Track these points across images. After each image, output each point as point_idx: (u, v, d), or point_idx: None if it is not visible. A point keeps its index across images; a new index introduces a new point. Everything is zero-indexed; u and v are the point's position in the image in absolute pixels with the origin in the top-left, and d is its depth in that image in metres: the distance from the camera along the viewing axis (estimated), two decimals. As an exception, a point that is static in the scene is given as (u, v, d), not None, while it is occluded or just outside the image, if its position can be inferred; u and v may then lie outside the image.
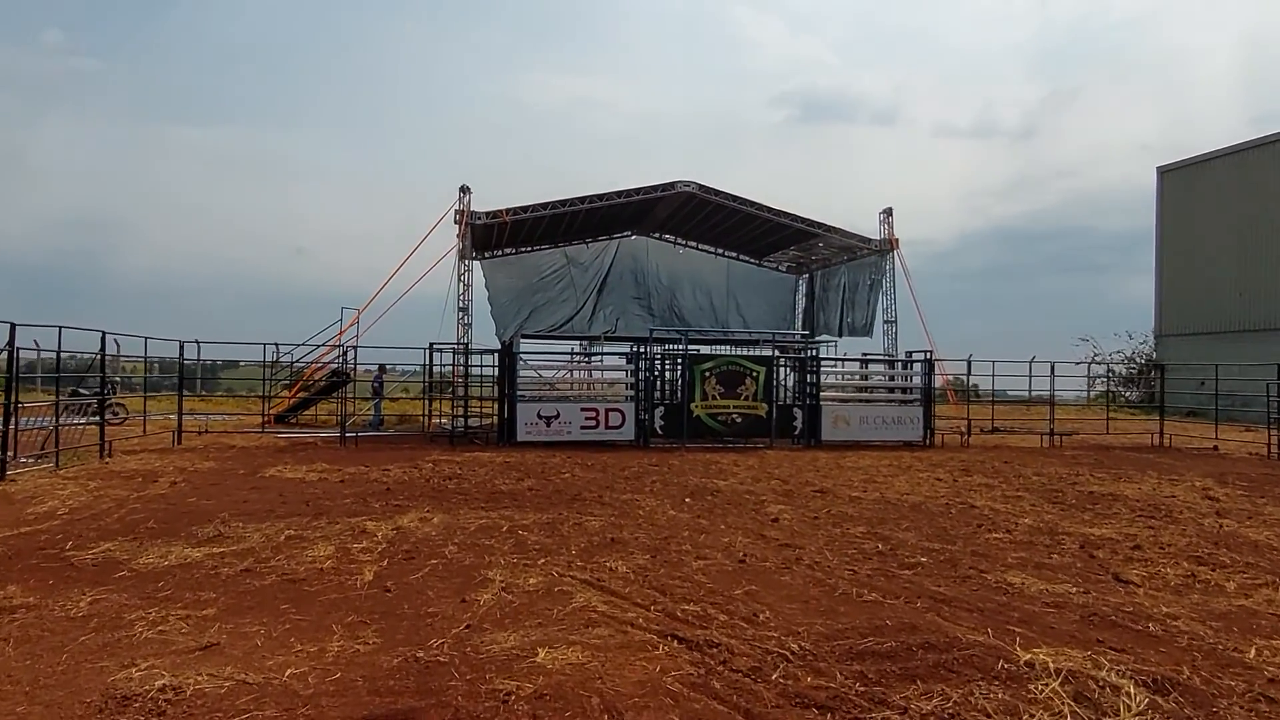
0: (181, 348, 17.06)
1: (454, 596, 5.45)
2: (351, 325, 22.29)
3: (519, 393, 17.20)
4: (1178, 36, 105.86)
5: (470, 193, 20.95)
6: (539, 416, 17.04)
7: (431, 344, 18.99)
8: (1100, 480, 12.69)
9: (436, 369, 20.54)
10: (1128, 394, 37.35)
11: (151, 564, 6.40)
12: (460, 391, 19.13)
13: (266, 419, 22.00)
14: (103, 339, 13.65)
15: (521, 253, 27.78)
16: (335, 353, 22.15)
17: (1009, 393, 25.97)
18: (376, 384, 23.41)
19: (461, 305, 21.71)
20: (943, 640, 4.52)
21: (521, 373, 17.60)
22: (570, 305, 25.73)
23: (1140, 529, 8.47)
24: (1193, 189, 35.57)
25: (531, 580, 5.88)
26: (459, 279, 21.46)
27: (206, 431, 19.10)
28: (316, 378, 23.65)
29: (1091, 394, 36.01)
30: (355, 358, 22.50)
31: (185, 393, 31.77)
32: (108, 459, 13.71)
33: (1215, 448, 18.74)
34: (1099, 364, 37.79)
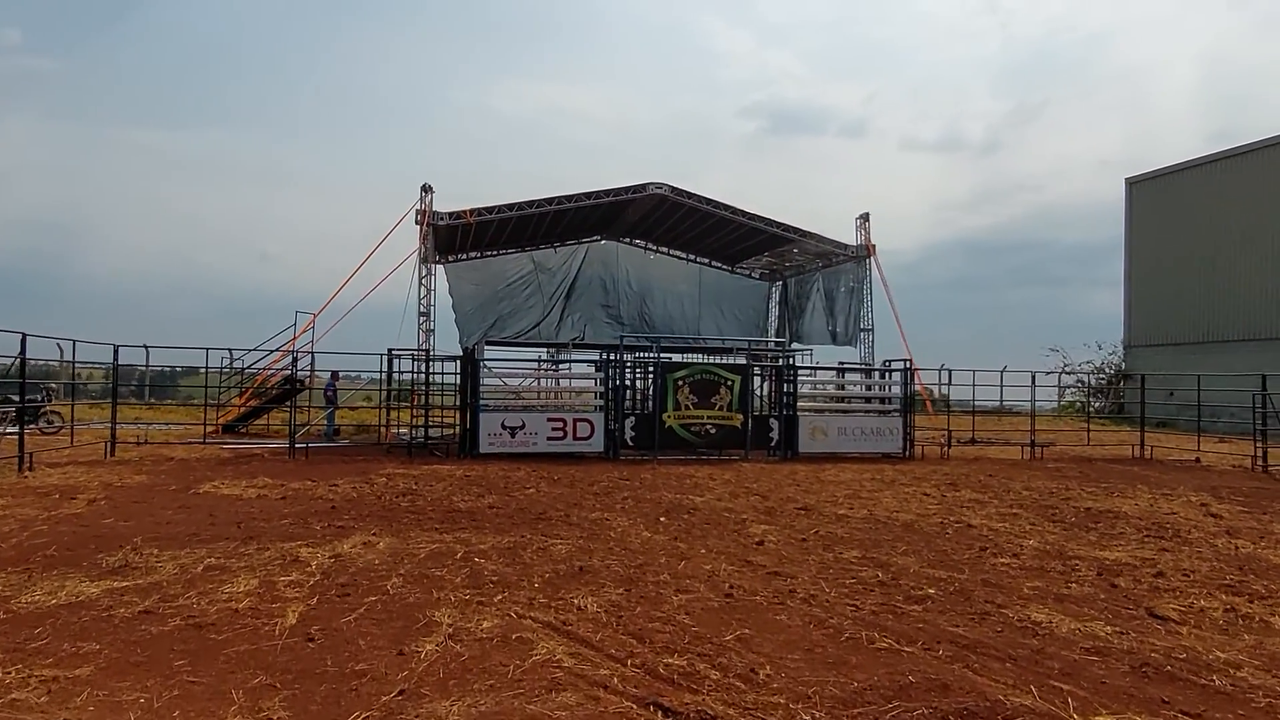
0: (116, 351, 15.88)
1: (390, 647, 4.55)
2: (306, 330, 21.18)
3: (482, 402, 16.26)
4: (1139, 54, 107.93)
5: (432, 192, 19.93)
6: (503, 427, 16.11)
7: (390, 350, 18.01)
8: (1093, 495, 12.09)
9: (397, 377, 19.54)
10: (1097, 404, 37.22)
11: (35, 603, 5.41)
12: (420, 400, 18.11)
13: (214, 428, 20.79)
14: (23, 341, 12.49)
15: (487, 257, 26.79)
16: (289, 359, 21.02)
17: (975, 403, 25.60)
18: (329, 392, 22.32)
19: (423, 310, 20.66)
20: (983, 705, 3.73)
21: (485, 381, 16.65)
22: (537, 311, 24.81)
23: (1154, 552, 7.79)
24: (1161, 200, 35.63)
25: (485, 623, 5.00)
26: (420, 282, 20.43)
27: (145, 442, 17.88)
28: (269, 385, 22.48)
29: (1060, 404, 35.94)
30: (312, 364, 21.41)
31: (132, 401, 30.26)
32: (28, 472, 12.54)
33: (1197, 460, 18.35)
34: (1070, 374, 37.81)
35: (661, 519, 9.30)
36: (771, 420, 17.44)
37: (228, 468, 13.86)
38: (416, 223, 19.82)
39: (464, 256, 26.47)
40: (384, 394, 19.96)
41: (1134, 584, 6.47)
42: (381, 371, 17.68)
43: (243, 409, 22.00)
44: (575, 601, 5.54)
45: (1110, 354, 38.61)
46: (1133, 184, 37.18)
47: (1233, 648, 4.80)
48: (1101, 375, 38.63)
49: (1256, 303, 30.99)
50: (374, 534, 7.97)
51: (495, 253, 26.80)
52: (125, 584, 5.94)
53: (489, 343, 23.31)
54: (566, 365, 22.57)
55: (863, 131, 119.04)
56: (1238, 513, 10.60)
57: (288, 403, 21.06)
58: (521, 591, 5.83)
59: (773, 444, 17.25)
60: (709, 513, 9.81)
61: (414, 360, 18.43)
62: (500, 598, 5.64)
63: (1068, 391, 37.94)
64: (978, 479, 14.02)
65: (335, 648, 4.54)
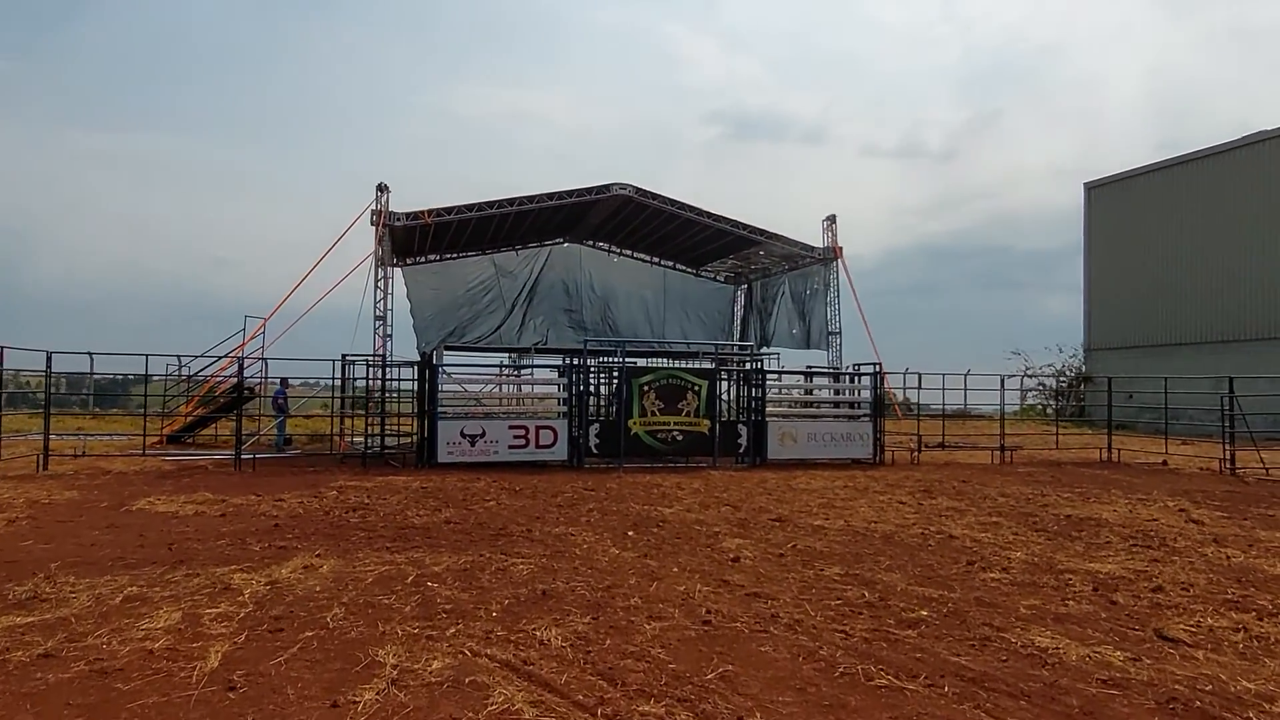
0: (49, 358, 14.92)
1: (324, 696, 3.96)
2: (256, 335, 20.30)
3: (440, 409, 15.59)
4: (1089, 65, 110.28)
5: (389, 191, 19.20)
6: (462, 435, 15.45)
7: (344, 355, 17.25)
8: (1070, 501, 11.82)
9: (352, 384, 18.79)
10: (1056, 406, 37.49)
11: (-83, 647, 4.72)
12: (377, 408, 17.38)
13: (157, 439, 19.81)
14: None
15: (447, 260, 26.08)
16: (238, 366, 20.16)
17: (931, 406, 25.44)
18: (279, 399, 21.38)
19: (379, 314, 19.89)
20: (1007, 758, 3.25)
21: (444, 387, 15.98)
22: (498, 316, 24.13)
23: (1146, 563, 7.45)
24: (1119, 205, 36.02)
25: (435, 663, 4.43)
26: (375, 285, 19.68)
27: (83, 454, 16.89)
28: (218, 393, 21.52)
29: (1023, 406, 36.14)
30: (265, 371, 20.54)
31: (76, 410, 28.88)
32: (-55, 490, 11.63)
33: (1164, 462, 18.31)
34: (1034, 377, 38.05)
35: (630, 533, 8.77)
36: (740, 426, 17.01)
37: (167, 481, 13.03)
38: (372, 223, 19.07)
39: (423, 260, 25.73)
40: (338, 402, 19.16)
41: (1133, 600, 6.09)
42: (333, 378, 16.93)
43: (188, 418, 21.03)
44: (537, 634, 4.99)
45: (1071, 357, 38.99)
46: (1091, 188, 37.55)
47: (1258, 676, 4.41)
48: (1063, 378, 38.96)
49: (1214, 306, 31.39)
50: (318, 555, 7.33)
51: (455, 256, 26.11)
52: (30, 620, 5.26)
53: (448, 348, 22.61)
54: (529, 371, 21.87)
55: (822, 138, 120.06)
56: (1218, 518, 10.37)
57: (236, 411, 20.20)
58: (478, 622, 5.26)
59: (741, 450, 16.82)
60: (679, 525, 9.31)
61: (369, 366, 17.72)
62: (453, 630, 5.06)
63: (1029, 394, 38.27)
64: (952, 485, 13.71)
65: (259, 698, 3.94)
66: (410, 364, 16.65)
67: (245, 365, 19.85)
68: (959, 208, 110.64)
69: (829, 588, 6.39)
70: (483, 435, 15.52)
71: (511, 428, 15.79)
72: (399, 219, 19.28)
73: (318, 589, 6.10)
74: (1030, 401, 37.89)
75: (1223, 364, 27.75)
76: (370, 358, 17.48)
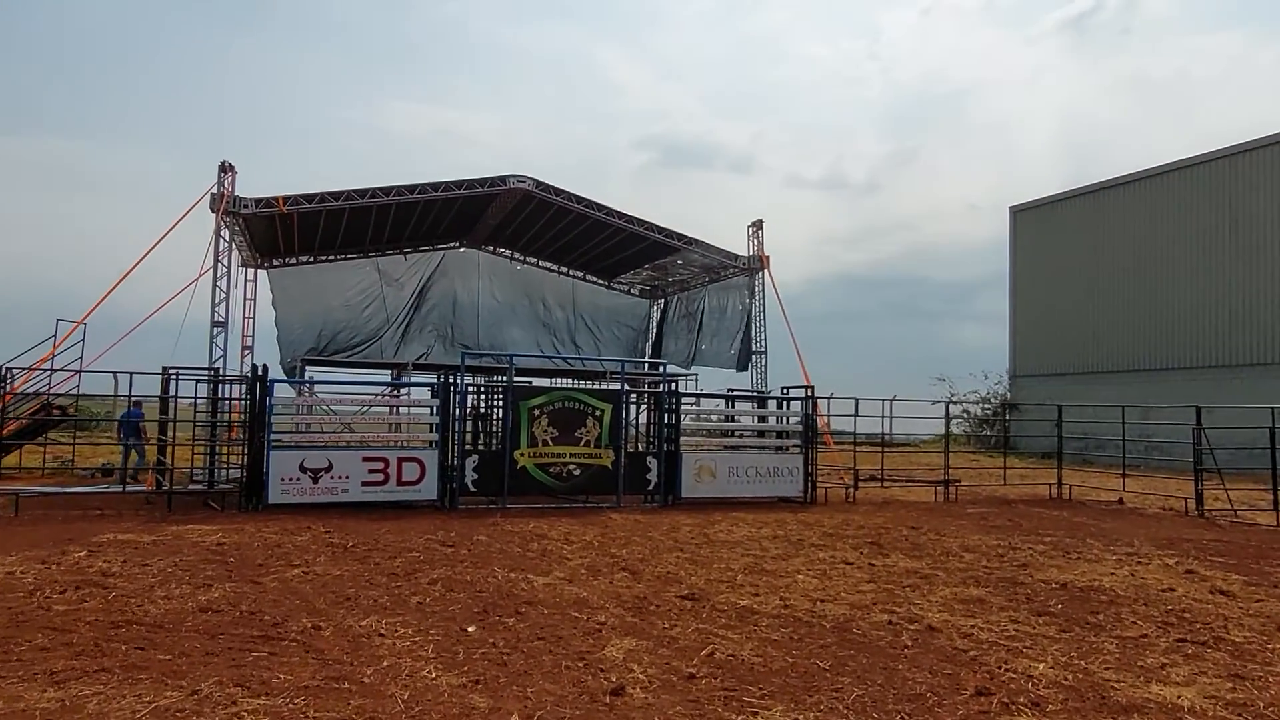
0: None
1: None
2: (67, 342, 16.63)
3: (274, 436, 12.42)
4: (1004, 107, 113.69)
5: (234, 172, 15.85)
6: (302, 469, 12.31)
7: (166, 369, 13.88)
8: (1050, 558, 9.51)
9: (195, 403, 15.48)
10: (983, 435, 36.25)
11: None
12: (210, 432, 14.10)
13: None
14: None
15: (323, 263, 22.75)
16: (43, 378, 16.54)
17: (884, 435, 23.29)
18: (136, 419, 16.99)
19: (218, 319, 16.45)
20: None
21: (279, 410, 12.80)
22: (376, 326, 20.96)
23: (1222, 679, 5.03)
24: (1044, 229, 35.10)
25: None
26: (215, 285, 16.27)
27: None
28: (18, 413, 17.65)
29: (947, 434, 34.65)
30: (79, 386, 16.90)
31: None
32: None
33: (1120, 500, 16.46)
34: (956, 403, 36.66)
35: (471, 628, 5.92)
36: (649, 459, 14.33)
37: None
38: (212, 209, 15.72)
39: (293, 261, 22.35)
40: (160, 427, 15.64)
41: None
42: (127, 398, 13.54)
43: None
44: None
45: (996, 384, 37.88)
46: (1017, 212, 36.61)
47: None
48: (987, 405, 37.80)
49: (1140, 333, 30.45)
50: (-103, 698, 4.25)
51: (332, 258, 22.81)
52: None
53: (310, 362, 19.32)
54: (406, 392, 18.78)
55: (750, 168, 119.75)
56: (1241, 585, 8.17)
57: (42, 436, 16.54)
58: None
59: (650, 488, 14.14)
60: (549, 610, 6.50)
61: (197, 383, 14.42)
62: None
63: (953, 422, 36.89)
64: (901, 533, 11.30)
65: None
66: (239, 380, 13.40)
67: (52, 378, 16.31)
68: (879, 238, 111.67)
69: (769, 764, 3.69)
70: (328, 469, 12.40)
71: (366, 460, 12.72)
72: (247, 205, 15.97)
73: None
74: (954, 430, 36.54)
75: (1151, 392, 26.61)
76: (201, 371, 14.16)
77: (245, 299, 21.43)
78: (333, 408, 14.17)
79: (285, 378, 18.65)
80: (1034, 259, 35.38)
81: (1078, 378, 32.57)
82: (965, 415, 37.45)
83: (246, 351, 21.29)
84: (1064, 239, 33.94)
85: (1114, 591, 7.72)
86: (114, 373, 13.55)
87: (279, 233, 19.46)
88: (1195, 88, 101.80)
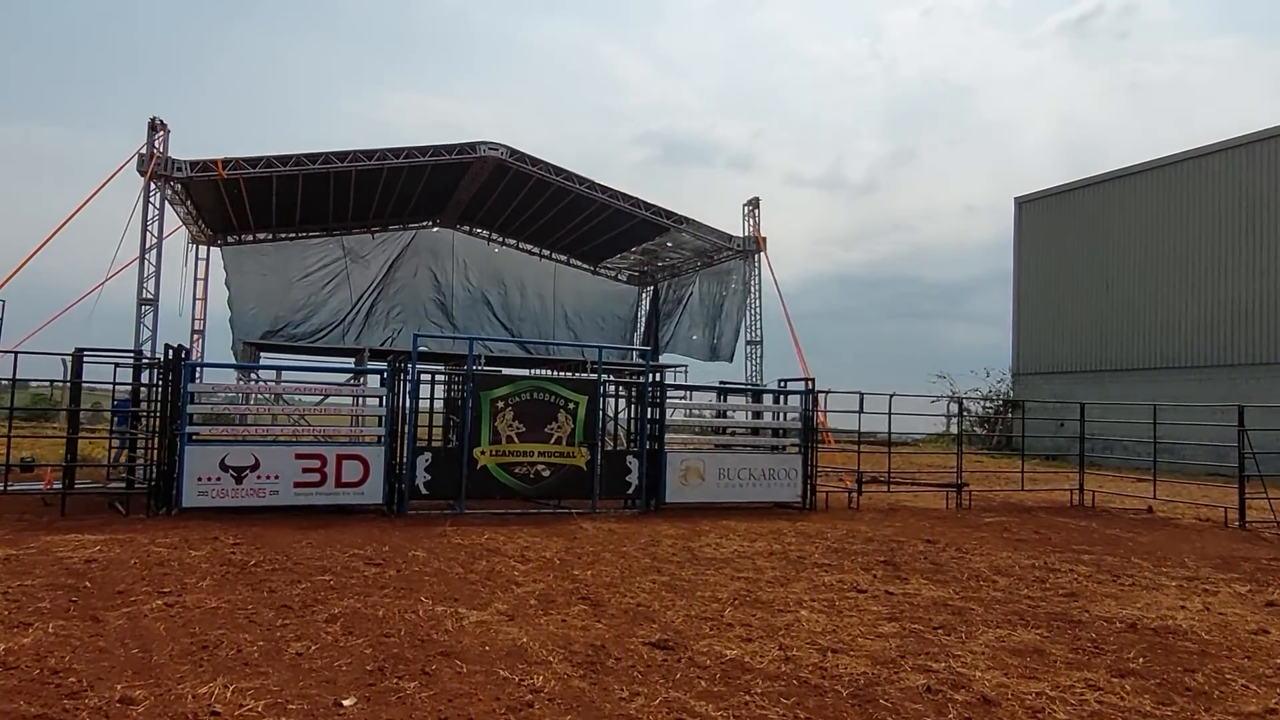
0: None
1: None
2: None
3: (189, 429, 10.72)
4: (1003, 108, 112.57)
5: (166, 130, 14.06)
6: (224, 467, 10.62)
7: (79, 350, 12.16)
8: (1100, 584, 7.93)
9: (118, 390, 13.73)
10: (983, 434, 34.77)
11: None
12: (121, 424, 12.40)
13: None
14: None
15: (282, 240, 21.01)
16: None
17: (890, 434, 21.72)
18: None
19: (147, 297, 14.65)
20: None
21: (196, 395, 11.11)
22: (338, 306, 19.25)
23: None
24: (1051, 221, 33.51)
25: None
26: (144, 258, 14.49)
27: None
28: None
29: (945, 433, 33.14)
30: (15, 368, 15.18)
31: None
32: None
33: (1149, 509, 14.88)
34: (971, 399, 35.18)
35: (349, 700, 4.26)
36: (629, 459, 12.67)
37: None
38: (140, 172, 13.95)
39: (250, 238, 20.60)
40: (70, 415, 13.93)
41: None
42: (66, 382, 11.81)
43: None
44: None
45: (998, 381, 36.40)
46: (1022, 204, 35.02)
47: None
48: (989, 404, 36.31)
49: (1151, 329, 28.93)
50: None
51: (293, 236, 21.06)
52: None
53: (261, 347, 17.60)
54: (362, 380, 17.06)
55: (750, 165, 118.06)
56: (1348, 626, 6.58)
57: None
58: None
59: (631, 491, 12.50)
60: (470, 666, 4.85)
61: (116, 366, 12.67)
62: None
63: (952, 421, 35.36)
64: (917, 549, 9.70)
65: None
66: (155, 364, 11.68)
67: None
68: (876, 238, 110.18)
69: None
70: (254, 468, 10.71)
71: (300, 458, 11.02)
72: (181, 168, 14.19)
73: None
74: (954, 429, 35.07)
75: (1159, 391, 25.03)
76: (121, 354, 12.44)
77: (196, 279, 19.70)
78: (258, 396, 12.46)
79: (230, 363, 16.95)
80: (1039, 252, 33.83)
81: (1084, 375, 31.10)
82: (968, 413, 35.98)
83: (198, 336, 19.53)
84: (1071, 231, 32.39)
85: (1196, 635, 6.13)
86: (14, 352, 11.79)
87: (228, 206, 17.72)
88: (1192, 92, 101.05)
